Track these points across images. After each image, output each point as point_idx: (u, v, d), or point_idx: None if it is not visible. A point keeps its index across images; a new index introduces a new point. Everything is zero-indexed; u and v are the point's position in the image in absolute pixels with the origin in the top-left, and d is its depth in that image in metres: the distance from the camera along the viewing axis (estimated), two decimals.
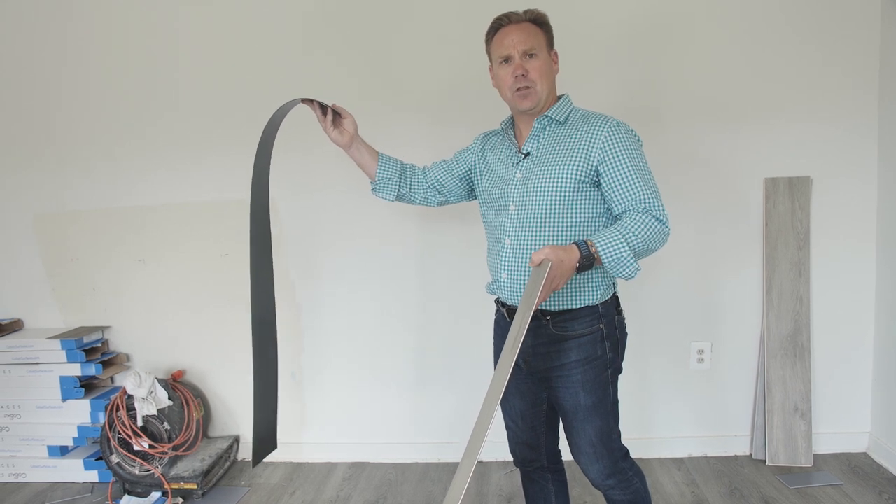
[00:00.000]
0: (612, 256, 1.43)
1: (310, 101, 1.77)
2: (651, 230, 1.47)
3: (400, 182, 1.91)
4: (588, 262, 1.41)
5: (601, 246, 1.42)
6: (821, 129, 2.59)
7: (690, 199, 2.66)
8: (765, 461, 2.70)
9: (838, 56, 2.55)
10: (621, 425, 1.73)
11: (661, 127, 2.61)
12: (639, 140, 1.64)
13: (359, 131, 1.84)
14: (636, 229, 1.46)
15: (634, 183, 1.52)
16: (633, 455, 1.76)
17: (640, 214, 1.49)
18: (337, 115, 1.81)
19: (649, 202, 1.51)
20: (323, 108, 1.79)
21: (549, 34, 1.67)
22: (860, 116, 2.58)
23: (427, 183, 1.94)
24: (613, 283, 1.69)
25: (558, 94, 1.71)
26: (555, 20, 1.69)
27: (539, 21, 1.65)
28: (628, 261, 1.43)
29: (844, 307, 2.70)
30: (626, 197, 1.53)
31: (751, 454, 2.78)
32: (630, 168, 1.54)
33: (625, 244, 1.43)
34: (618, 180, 1.54)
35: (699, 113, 2.61)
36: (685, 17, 2.56)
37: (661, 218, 1.51)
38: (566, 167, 1.57)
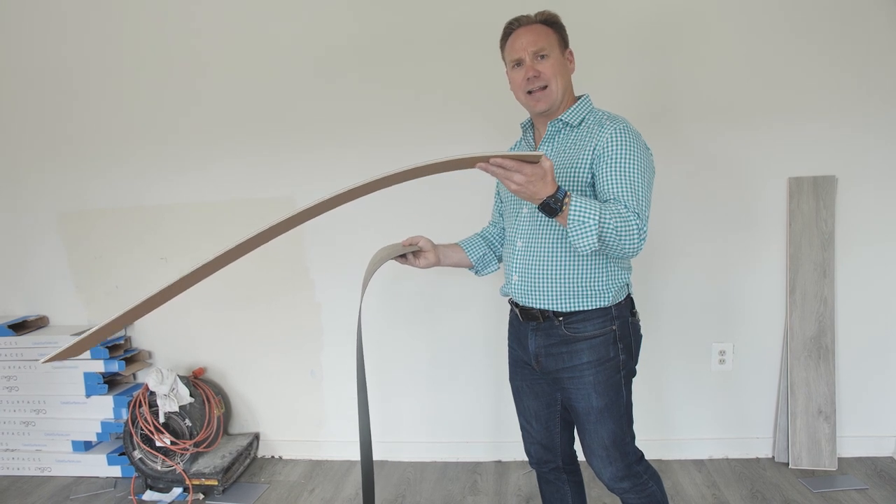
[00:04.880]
0: (578, 217, 1.35)
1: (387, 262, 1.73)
2: (627, 225, 1.40)
3: (493, 251, 1.91)
4: (554, 205, 1.34)
5: (574, 203, 1.35)
6: (847, 129, 2.54)
7: (713, 199, 2.62)
8: (787, 464, 2.66)
9: (865, 54, 2.49)
10: (641, 426, 1.72)
11: (681, 126, 2.58)
12: (646, 148, 1.57)
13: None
14: (615, 213, 1.39)
15: (622, 187, 1.46)
16: (653, 456, 1.75)
17: (623, 207, 1.43)
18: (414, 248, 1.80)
19: (631, 205, 1.44)
20: (400, 255, 1.77)
21: (561, 34, 1.64)
22: (888, 116, 2.53)
23: (503, 228, 1.92)
24: (628, 285, 1.67)
25: (579, 94, 1.69)
26: (569, 20, 1.67)
27: (550, 22, 1.63)
28: (590, 230, 1.35)
29: (870, 309, 2.65)
30: (610, 195, 1.47)
31: (773, 457, 2.74)
32: (622, 169, 1.48)
33: (597, 216, 1.36)
34: (607, 179, 1.48)
35: (721, 112, 2.57)
36: (707, 14, 2.52)
37: (641, 226, 1.42)
38: (574, 171, 1.55)
